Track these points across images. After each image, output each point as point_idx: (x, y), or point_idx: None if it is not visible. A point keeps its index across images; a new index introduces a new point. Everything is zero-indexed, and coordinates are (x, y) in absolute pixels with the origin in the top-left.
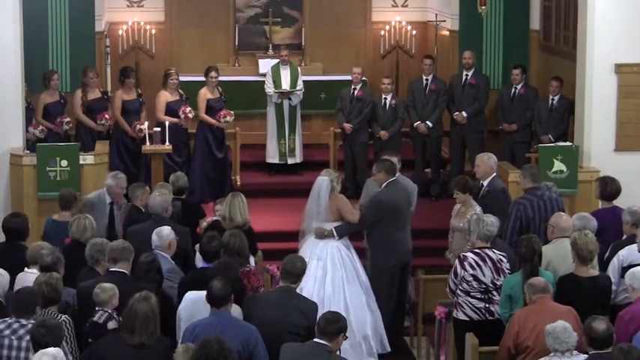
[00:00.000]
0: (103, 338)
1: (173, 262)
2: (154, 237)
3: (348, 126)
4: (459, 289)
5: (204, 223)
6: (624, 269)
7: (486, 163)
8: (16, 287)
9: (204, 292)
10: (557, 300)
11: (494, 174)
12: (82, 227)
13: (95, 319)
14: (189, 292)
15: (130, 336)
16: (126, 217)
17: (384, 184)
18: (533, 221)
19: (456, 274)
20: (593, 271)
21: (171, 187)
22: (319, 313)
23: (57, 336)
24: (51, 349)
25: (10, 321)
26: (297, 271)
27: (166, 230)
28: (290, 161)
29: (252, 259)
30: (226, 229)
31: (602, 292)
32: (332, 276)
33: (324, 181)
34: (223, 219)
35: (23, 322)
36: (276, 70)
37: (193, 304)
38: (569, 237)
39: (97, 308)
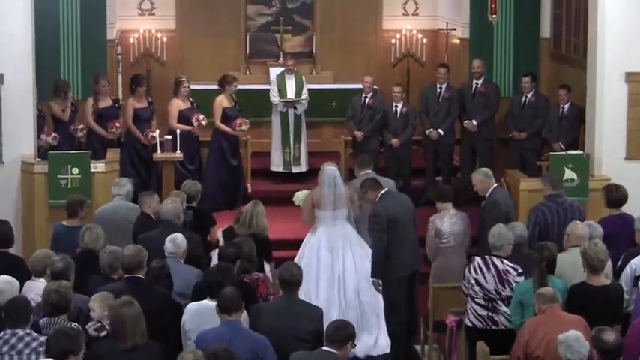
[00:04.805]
0: (93, 345)
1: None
2: (167, 244)
3: (359, 134)
4: (468, 294)
5: (219, 231)
6: (637, 278)
7: (478, 178)
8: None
9: (205, 302)
10: (568, 309)
11: (495, 185)
12: (94, 236)
13: (86, 327)
14: (190, 304)
15: (122, 342)
16: (136, 225)
17: (377, 200)
18: (551, 227)
19: (464, 276)
20: (605, 279)
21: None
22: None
23: (79, 344)
24: None
25: (6, 336)
26: (295, 279)
27: (180, 237)
28: (295, 170)
29: (267, 267)
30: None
31: (614, 300)
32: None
33: (335, 170)
34: (242, 225)
35: (20, 333)
36: (281, 79)
37: (199, 315)
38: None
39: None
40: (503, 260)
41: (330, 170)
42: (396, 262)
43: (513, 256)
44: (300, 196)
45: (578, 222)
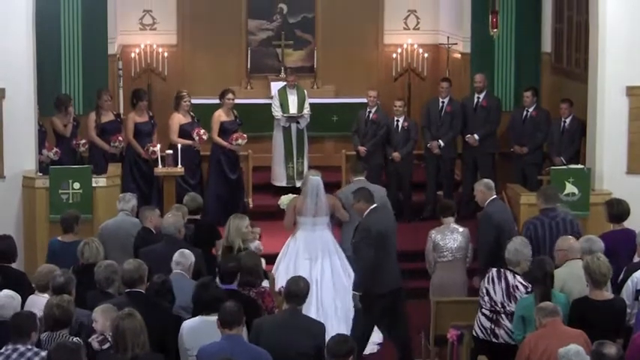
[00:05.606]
0: (96, 358)
1: None
2: (177, 258)
3: (362, 149)
4: (478, 302)
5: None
6: (638, 292)
7: (479, 189)
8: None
9: (199, 318)
10: (571, 323)
11: (494, 196)
12: (94, 250)
13: (89, 340)
14: (185, 322)
15: (122, 354)
16: (136, 239)
17: (365, 213)
18: (542, 240)
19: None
20: (608, 293)
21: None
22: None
23: (80, 358)
24: None
25: (7, 352)
26: (302, 292)
27: (187, 252)
28: (299, 184)
29: (265, 283)
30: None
31: (617, 315)
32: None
33: (319, 180)
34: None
35: (21, 348)
36: (282, 94)
37: (195, 332)
38: (581, 258)
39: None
40: (516, 276)
41: (315, 180)
42: (382, 277)
43: None
44: (285, 200)
45: (569, 237)
